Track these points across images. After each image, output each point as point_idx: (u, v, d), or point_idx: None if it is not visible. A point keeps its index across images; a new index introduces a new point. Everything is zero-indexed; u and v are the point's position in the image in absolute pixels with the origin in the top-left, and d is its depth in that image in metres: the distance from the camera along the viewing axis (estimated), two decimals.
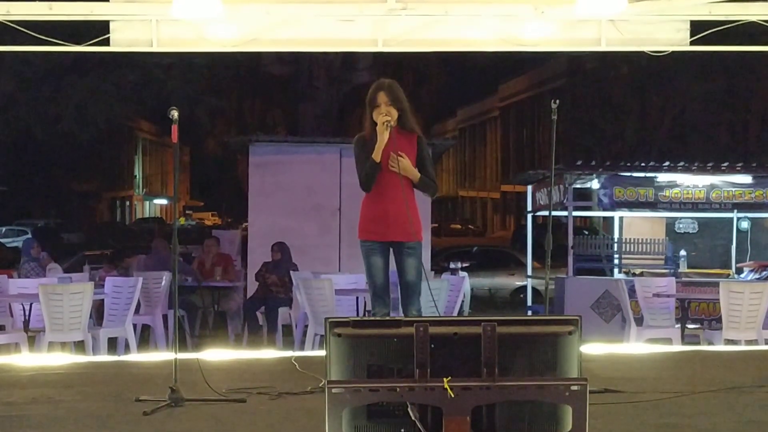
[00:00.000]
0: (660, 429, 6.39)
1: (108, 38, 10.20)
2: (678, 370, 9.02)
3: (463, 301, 14.22)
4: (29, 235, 34.18)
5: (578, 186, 18.19)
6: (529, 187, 19.80)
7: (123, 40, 10.21)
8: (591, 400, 4.52)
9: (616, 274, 17.93)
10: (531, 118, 54.96)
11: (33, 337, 11.69)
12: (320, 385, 7.08)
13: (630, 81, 37.38)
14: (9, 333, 12.04)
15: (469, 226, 62.89)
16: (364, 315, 12.67)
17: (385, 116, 7.53)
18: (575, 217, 19.04)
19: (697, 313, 15.43)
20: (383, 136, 7.52)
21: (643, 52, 10.67)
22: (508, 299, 24.52)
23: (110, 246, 29.10)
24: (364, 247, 7.70)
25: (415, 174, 7.62)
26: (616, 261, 18.27)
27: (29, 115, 28.17)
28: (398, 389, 4.47)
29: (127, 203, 76.05)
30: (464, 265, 20.87)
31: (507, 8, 10.01)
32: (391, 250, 7.69)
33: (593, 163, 21.03)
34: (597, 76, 38.32)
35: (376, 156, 7.54)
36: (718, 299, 11.94)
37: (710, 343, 12.13)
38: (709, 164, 18.41)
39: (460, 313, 13.90)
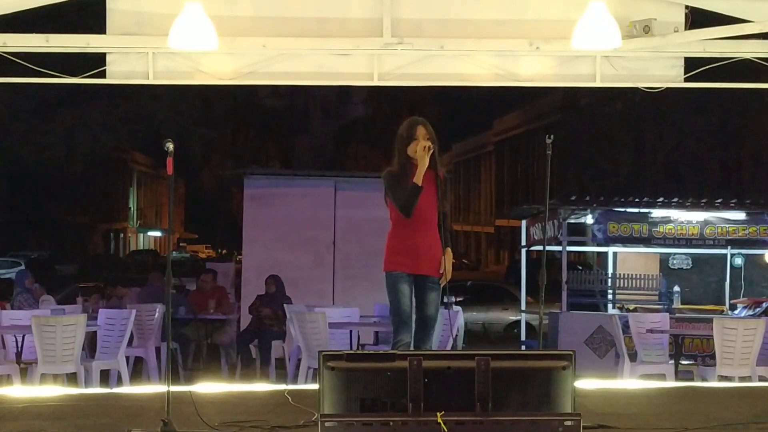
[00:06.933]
0: None
1: (104, 70, 10.23)
2: (672, 406, 8.99)
3: (456, 336, 14.19)
4: (23, 267, 34.09)
5: (572, 221, 18.20)
6: (524, 222, 19.80)
7: (119, 72, 10.23)
8: None
9: (610, 310, 17.90)
10: (525, 153, 55.01)
11: (25, 368, 11.63)
12: (313, 418, 7.04)
13: (624, 117, 37.48)
14: (1, 365, 11.96)
15: (463, 261, 62.73)
16: (358, 348, 12.64)
17: (426, 141, 7.66)
18: (569, 252, 19.03)
19: (690, 349, 15.40)
20: (425, 161, 7.61)
21: (637, 88, 10.72)
22: (502, 334, 24.45)
23: (103, 278, 29.01)
24: (392, 277, 7.66)
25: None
26: (610, 296, 18.26)
27: (23, 146, 28.13)
28: (391, 423, 4.46)
29: (121, 235, 75.92)
30: (458, 299, 20.83)
31: (502, 43, 10.04)
32: (414, 283, 7.69)
33: (587, 198, 21.06)
34: (592, 111, 38.43)
35: (418, 180, 7.58)
36: (712, 335, 11.92)
37: (704, 379, 12.11)
38: (702, 200, 18.44)
39: (454, 347, 13.87)
